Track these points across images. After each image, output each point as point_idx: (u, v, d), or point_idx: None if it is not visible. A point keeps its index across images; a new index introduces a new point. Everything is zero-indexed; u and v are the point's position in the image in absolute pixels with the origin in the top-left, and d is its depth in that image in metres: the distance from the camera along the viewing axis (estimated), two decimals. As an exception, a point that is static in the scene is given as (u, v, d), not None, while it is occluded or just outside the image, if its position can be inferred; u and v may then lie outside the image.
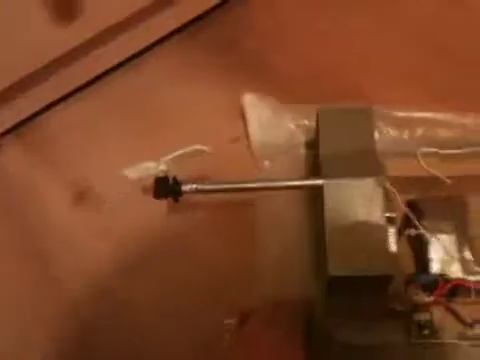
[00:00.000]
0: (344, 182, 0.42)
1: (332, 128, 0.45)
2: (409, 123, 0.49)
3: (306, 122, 0.49)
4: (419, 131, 0.48)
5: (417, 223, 0.42)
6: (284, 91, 0.51)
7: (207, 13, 0.57)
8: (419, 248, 0.43)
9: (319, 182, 0.42)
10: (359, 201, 0.41)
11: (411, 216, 0.42)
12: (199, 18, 0.57)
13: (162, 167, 0.44)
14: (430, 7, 0.56)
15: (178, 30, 0.56)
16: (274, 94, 0.51)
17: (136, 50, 0.56)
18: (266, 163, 0.49)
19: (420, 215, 0.43)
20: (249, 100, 0.50)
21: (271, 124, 0.49)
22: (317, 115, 0.45)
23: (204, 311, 0.43)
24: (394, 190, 0.41)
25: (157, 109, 0.53)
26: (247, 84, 0.52)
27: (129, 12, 0.50)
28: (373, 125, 0.45)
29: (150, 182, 0.45)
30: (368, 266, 0.40)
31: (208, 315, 0.43)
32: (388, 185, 0.41)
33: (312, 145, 0.48)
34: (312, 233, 0.46)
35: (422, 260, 0.43)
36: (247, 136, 0.50)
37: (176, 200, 0.44)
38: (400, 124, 0.49)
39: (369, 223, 0.41)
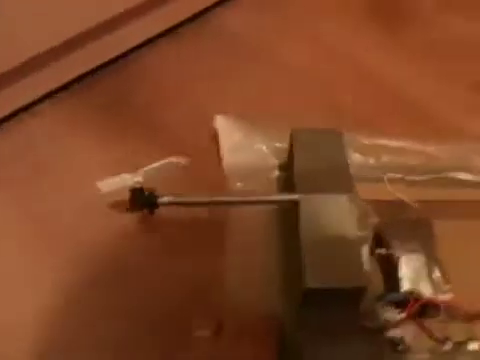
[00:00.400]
0: (319, 197, 0.43)
1: (305, 148, 0.46)
2: (375, 150, 0.50)
3: (278, 145, 0.50)
4: (385, 158, 0.50)
5: (388, 240, 0.43)
6: (174, 147, 0.51)
7: (95, 70, 0.57)
8: (389, 268, 0.44)
9: (295, 197, 0.43)
10: (333, 216, 0.42)
11: (382, 233, 0.43)
12: (88, 74, 0.56)
13: (137, 179, 0.43)
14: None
15: (64, 87, 0.55)
16: (166, 151, 0.50)
17: (16, 107, 0.53)
18: (238, 185, 0.49)
19: (389, 236, 0.44)
20: (221, 122, 0.50)
21: (243, 146, 0.50)
22: (291, 135, 0.47)
23: (174, 326, 0.42)
24: (366, 206, 0.43)
25: (36, 169, 0.50)
26: (137, 143, 0.51)
27: (10, 67, 0.49)
28: (344, 146, 0.46)
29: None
30: (343, 278, 0.40)
31: (179, 329, 0.41)
32: (361, 201, 0.43)
33: (284, 167, 0.49)
34: (280, 251, 0.46)
35: (392, 279, 0.43)
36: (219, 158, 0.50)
37: (152, 212, 0.43)
38: (366, 151, 0.50)
39: (343, 237, 0.41)
